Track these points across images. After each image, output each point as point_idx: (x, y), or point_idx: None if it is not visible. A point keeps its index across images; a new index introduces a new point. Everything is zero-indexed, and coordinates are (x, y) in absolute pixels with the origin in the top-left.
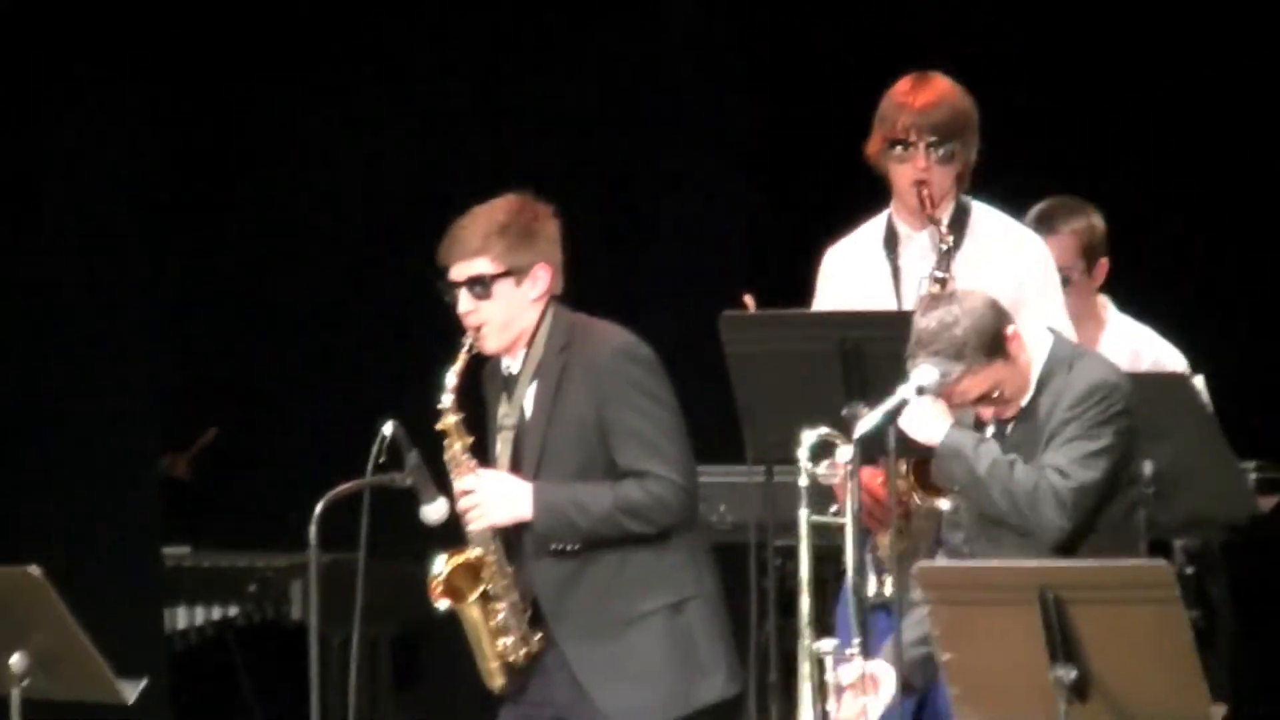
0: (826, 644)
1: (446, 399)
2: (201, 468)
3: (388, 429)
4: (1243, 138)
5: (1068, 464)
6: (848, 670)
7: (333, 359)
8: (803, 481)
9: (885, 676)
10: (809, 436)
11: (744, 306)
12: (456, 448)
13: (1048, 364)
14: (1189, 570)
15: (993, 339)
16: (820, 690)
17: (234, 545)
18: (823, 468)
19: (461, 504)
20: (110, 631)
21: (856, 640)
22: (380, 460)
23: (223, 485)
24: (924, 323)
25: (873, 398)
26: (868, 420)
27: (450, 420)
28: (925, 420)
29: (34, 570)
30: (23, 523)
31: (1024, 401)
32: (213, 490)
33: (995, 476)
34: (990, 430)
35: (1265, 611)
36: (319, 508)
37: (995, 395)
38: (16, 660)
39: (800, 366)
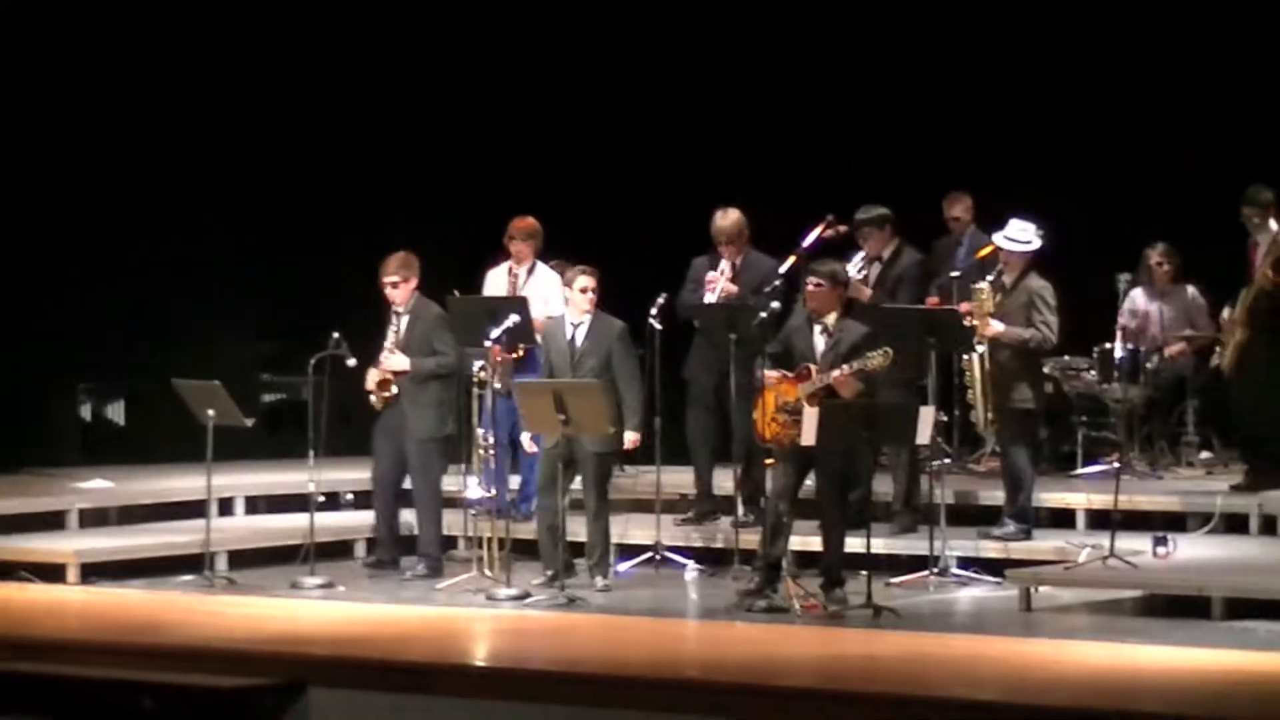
0: (480, 430)
1: (390, 332)
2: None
3: (335, 335)
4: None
5: None
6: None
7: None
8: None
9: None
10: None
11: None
12: (389, 343)
13: None
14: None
15: None
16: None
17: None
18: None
19: (385, 360)
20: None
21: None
22: (335, 347)
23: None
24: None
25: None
26: (493, 331)
27: (391, 337)
28: None
29: (216, 383)
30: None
31: None
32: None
33: None
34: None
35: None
36: (313, 360)
37: None
38: (210, 412)
39: (477, 316)
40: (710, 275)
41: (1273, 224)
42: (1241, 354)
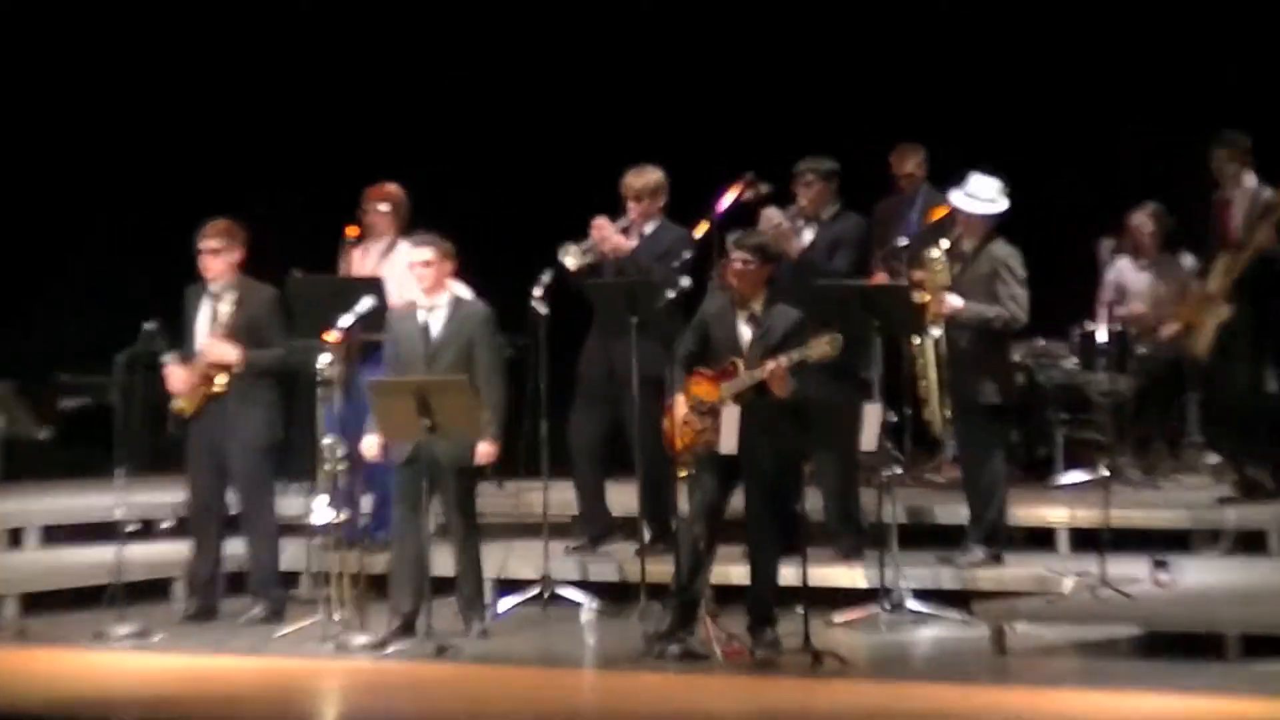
0: (328, 439)
1: (207, 318)
2: None
3: (148, 325)
4: None
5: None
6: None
7: None
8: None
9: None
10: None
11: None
12: (217, 329)
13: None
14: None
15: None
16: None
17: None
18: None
19: (208, 350)
20: None
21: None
22: (149, 341)
23: None
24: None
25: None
26: (345, 320)
27: (210, 323)
28: None
29: (4, 385)
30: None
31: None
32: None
33: None
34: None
35: None
36: (121, 357)
37: None
38: None
39: (321, 299)
40: (599, 220)
41: (1247, 177)
42: (1223, 334)
